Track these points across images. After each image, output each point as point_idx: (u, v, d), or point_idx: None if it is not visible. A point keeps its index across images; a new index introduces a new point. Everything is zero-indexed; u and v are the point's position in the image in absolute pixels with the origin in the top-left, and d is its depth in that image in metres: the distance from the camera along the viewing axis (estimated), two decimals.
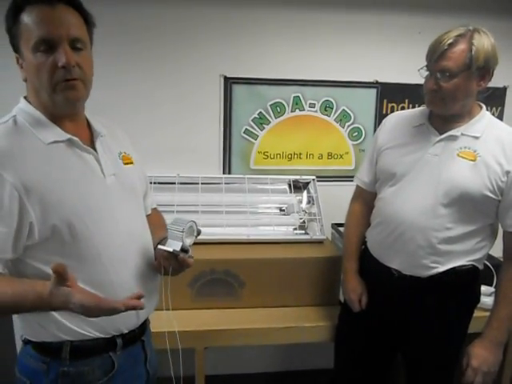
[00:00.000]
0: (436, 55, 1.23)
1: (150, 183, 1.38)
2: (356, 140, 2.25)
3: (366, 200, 1.54)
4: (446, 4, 2.10)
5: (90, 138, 1.04)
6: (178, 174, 2.00)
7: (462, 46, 1.20)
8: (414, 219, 1.31)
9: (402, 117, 1.46)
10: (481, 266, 1.37)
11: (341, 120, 2.21)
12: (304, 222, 2.00)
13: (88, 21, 0.97)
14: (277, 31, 2.06)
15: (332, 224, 2.04)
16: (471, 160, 1.27)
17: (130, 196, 1.09)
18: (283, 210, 2.06)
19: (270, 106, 2.15)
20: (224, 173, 2.18)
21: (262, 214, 2.02)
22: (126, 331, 1.05)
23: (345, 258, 1.57)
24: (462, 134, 1.30)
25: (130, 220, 1.06)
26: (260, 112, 2.15)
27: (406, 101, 2.22)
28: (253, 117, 2.15)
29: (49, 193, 0.91)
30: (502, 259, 1.40)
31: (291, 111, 2.17)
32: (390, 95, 2.21)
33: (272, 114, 2.16)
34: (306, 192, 2.09)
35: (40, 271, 0.93)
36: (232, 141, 2.16)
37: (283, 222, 2.01)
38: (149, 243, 1.12)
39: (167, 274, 1.07)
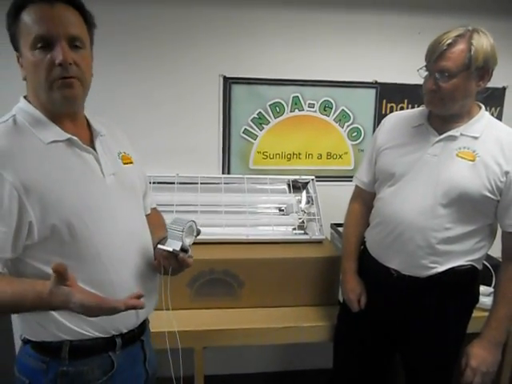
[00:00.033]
0: (435, 55, 1.23)
1: (150, 183, 1.38)
2: (355, 140, 2.25)
3: (365, 200, 1.54)
4: (445, 4, 2.10)
5: (89, 138, 1.04)
6: (177, 173, 2.00)
7: (461, 47, 1.20)
8: (412, 219, 1.31)
9: (401, 117, 1.46)
10: (480, 266, 1.37)
11: (340, 120, 2.21)
12: (303, 221, 2.00)
13: (88, 21, 0.97)
14: (276, 31, 2.06)
15: (331, 224, 2.04)
16: (470, 160, 1.27)
17: (129, 196, 1.09)
18: (282, 210, 2.06)
19: (270, 106, 2.15)
20: (223, 173, 2.18)
21: (261, 214, 2.02)
22: (125, 331, 1.05)
23: (344, 257, 1.57)
24: (461, 135, 1.30)
25: (130, 220, 1.06)
26: (259, 112, 2.15)
27: (406, 101, 2.22)
28: (252, 117, 2.15)
29: (48, 192, 0.91)
30: (500, 259, 1.40)
31: (290, 111, 2.17)
32: (390, 95, 2.21)
33: (271, 114, 2.16)
34: (305, 192, 2.09)
35: (39, 271, 0.93)
36: (231, 141, 2.16)
37: (282, 222, 2.01)
38: (148, 243, 1.12)
39: (167, 273, 1.07)
